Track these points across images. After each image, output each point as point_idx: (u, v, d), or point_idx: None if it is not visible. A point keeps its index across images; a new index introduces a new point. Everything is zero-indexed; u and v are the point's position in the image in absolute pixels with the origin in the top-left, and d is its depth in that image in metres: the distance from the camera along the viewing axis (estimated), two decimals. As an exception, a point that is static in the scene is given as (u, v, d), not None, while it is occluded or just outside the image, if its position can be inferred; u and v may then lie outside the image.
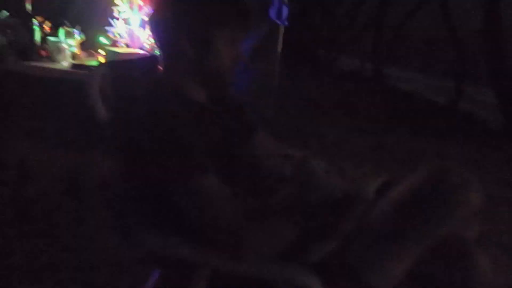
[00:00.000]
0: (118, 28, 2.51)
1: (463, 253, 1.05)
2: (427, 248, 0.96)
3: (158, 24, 1.07)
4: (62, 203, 1.97)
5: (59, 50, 2.33)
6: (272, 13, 2.36)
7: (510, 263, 1.95)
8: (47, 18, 2.45)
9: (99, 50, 2.50)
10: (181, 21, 1.02)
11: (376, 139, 3.46)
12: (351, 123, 3.90)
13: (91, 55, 2.46)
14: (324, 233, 0.99)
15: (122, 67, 1.24)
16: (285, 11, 2.36)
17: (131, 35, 2.52)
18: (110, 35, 2.53)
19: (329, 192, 1.03)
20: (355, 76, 6.02)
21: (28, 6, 2.40)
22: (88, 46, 2.52)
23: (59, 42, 2.36)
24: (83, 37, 2.43)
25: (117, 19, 2.51)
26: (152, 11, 1.11)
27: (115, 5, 2.50)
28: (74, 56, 2.35)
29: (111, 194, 1.70)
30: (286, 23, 2.41)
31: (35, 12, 2.41)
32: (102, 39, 2.53)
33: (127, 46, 2.53)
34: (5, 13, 2.37)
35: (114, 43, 2.52)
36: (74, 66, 2.27)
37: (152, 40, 2.22)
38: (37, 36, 2.37)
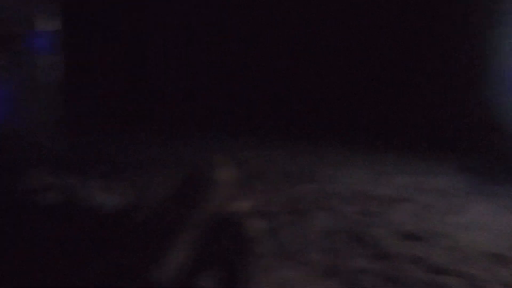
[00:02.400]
0: None
1: (236, 224, 1.23)
2: (201, 232, 1.09)
3: None
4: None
5: None
6: (28, 42, 2.22)
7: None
8: None
9: None
10: None
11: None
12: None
13: None
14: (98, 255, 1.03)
15: None
16: (39, 41, 2.25)
17: None
18: None
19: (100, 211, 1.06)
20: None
21: None
22: None
23: None
24: None
25: None
26: None
27: None
28: None
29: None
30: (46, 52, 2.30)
31: None
32: None
33: None
34: None
35: None
36: None
37: None
38: None
